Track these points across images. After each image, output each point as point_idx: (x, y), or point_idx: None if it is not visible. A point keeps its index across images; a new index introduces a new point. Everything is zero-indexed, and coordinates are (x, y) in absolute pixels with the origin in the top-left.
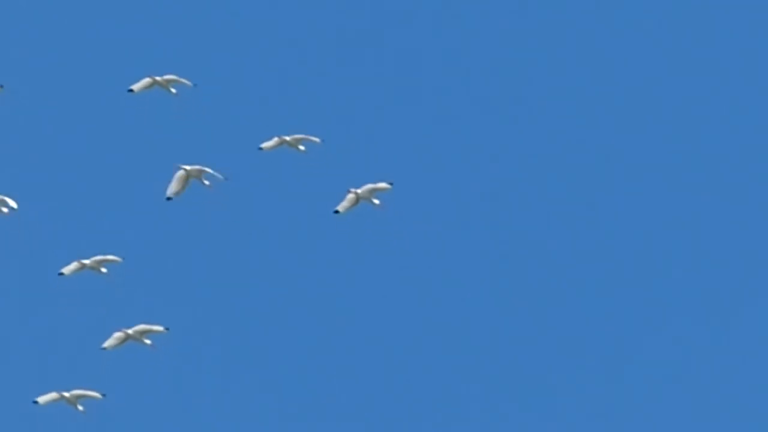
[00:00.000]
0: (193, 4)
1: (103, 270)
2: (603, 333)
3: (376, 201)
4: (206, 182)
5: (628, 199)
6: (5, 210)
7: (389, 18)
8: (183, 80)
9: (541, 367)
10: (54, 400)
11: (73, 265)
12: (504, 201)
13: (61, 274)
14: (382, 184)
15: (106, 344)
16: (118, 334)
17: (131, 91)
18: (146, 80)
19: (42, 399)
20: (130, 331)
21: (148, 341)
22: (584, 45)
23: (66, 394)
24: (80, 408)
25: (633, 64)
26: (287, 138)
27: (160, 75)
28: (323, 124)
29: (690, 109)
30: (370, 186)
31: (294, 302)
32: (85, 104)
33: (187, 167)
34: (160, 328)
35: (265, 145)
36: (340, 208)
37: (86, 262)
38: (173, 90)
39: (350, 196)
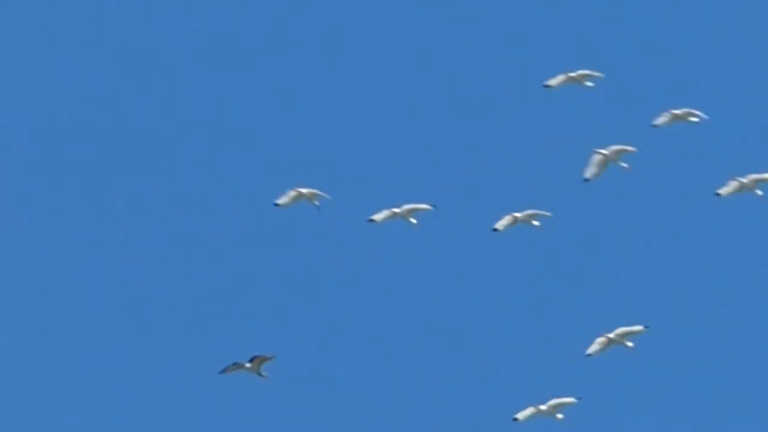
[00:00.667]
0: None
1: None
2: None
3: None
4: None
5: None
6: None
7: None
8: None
9: None
10: (532, 415)
11: None
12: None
13: None
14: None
15: (590, 350)
16: (600, 339)
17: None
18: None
19: (521, 415)
20: (611, 335)
21: (629, 344)
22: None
23: (543, 407)
24: (559, 416)
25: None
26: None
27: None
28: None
29: None
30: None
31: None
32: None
33: None
34: (640, 328)
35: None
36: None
37: None
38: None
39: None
